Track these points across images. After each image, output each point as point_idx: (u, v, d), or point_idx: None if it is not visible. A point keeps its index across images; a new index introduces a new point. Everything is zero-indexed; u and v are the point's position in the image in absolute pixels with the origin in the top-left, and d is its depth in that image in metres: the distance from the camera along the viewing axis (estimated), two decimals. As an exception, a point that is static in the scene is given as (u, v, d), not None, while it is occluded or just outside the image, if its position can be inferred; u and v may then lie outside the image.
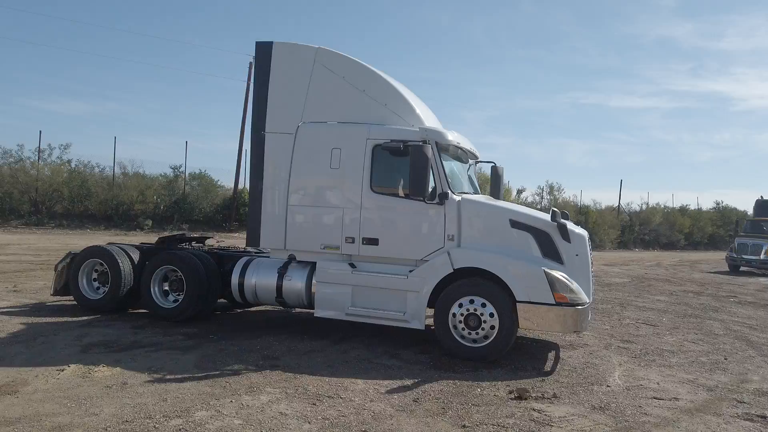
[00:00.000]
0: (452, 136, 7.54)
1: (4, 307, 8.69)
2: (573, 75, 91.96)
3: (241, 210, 31.39)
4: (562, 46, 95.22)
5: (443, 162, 7.25)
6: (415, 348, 7.32)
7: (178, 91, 71.95)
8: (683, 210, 47.45)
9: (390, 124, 7.54)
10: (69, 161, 29.35)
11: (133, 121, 64.16)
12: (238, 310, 9.57)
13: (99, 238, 24.77)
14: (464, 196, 7.32)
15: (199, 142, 73.58)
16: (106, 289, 8.72)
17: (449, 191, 7.13)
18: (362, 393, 5.44)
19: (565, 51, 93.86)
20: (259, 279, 7.98)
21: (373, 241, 7.39)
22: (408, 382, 5.88)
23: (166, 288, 8.56)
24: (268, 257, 8.30)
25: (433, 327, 7.16)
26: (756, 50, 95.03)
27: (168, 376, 5.62)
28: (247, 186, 33.14)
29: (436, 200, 7.09)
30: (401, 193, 7.39)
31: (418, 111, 7.73)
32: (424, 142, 7.05)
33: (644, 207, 46.14)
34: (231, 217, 31.62)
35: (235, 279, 8.13)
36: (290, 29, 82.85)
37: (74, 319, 8.14)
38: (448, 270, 6.97)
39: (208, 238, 10.05)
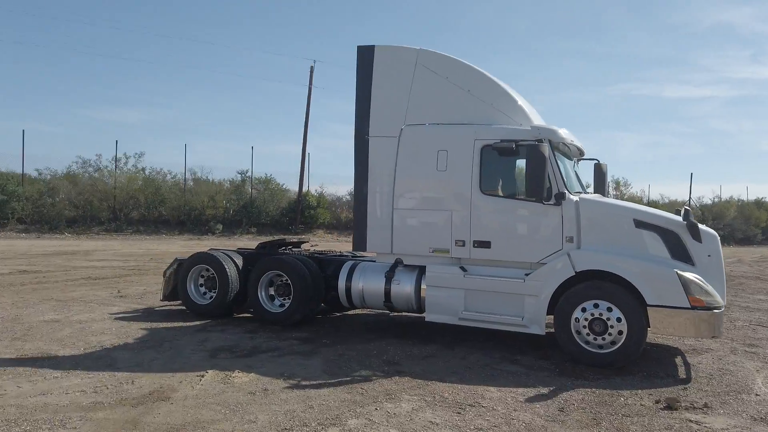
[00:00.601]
0: (564, 133, 7.32)
1: (118, 313, 9.03)
2: (624, 66, 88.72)
3: (306, 213, 31.91)
4: (611, 37, 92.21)
5: (557, 161, 7.04)
6: (533, 353, 7.14)
7: (238, 96, 73.78)
8: (759, 203, 45.02)
9: (497, 123, 7.39)
10: (143, 169, 30.49)
11: (194, 128, 66.30)
12: (337, 314, 9.64)
13: (175, 242, 25.68)
14: (582, 195, 7.09)
15: (260, 145, 75.21)
16: (213, 294, 8.94)
17: (566, 191, 6.91)
18: (501, 401, 5.32)
19: (615, 41, 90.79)
20: (367, 283, 7.98)
21: (485, 244, 7.25)
22: (543, 390, 5.71)
23: (272, 293, 8.69)
24: (369, 261, 8.29)
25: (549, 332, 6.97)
26: None
27: (303, 382, 5.65)
28: (312, 190, 33.66)
29: (553, 201, 6.89)
30: (513, 194, 7.23)
31: (525, 109, 7.55)
32: (539, 140, 6.86)
33: (716, 200, 44.16)
34: (296, 220, 32.13)
35: (342, 283, 8.17)
36: (347, 33, 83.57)
37: (188, 324, 8.36)
38: (569, 273, 6.75)
39: (304, 242, 10.17)
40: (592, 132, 76.93)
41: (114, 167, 29.88)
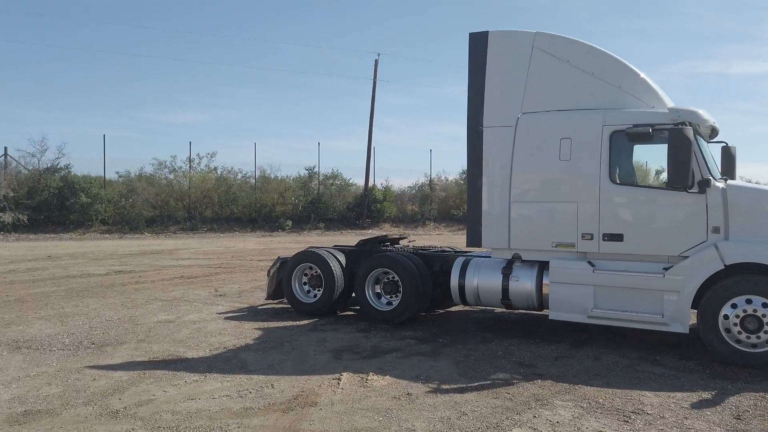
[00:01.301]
0: (705, 114, 6.74)
1: (226, 312, 9.07)
2: (685, 43, 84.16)
3: (372, 207, 31.84)
4: (671, 14, 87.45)
5: (699, 145, 6.49)
6: (671, 353, 6.66)
7: (301, 95, 74.77)
8: None
9: (626, 107, 6.88)
10: (215, 168, 31.18)
11: (260, 127, 67.69)
12: (439, 311, 9.37)
13: (249, 239, 26.13)
14: (729, 182, 6.52)
15: (326, 141, 75.57)
16: (318, 292, 8.84)
17: (710, 177, 6.36)
18: (665, 408, 4.89)
19: (674, 18, 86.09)
20: (482, 280, 7.65)
21: (617, 237, 6.78)
22: (704, 394, 5.25)
23: (378, 290, 8.51)
24: (481, 257, 7.96)
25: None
26: None
27: (444, 386, 5.40)
28: (378, 184, 33.60)
29: (696, 189, 6.34)
30: (649, 182, 6.73)
31: (658, 91, 7.01)
32: (682, 124, 6.32)
33: None
34: (363, 215, 32.14)
35: (455, 281, 7.87)
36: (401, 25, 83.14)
37: (297, 323, 8.28)
38: (717, 267, 6.21)
39: (404, 238, 9.92)
40: None
41: (188, 167, 30.71)
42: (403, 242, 10.09)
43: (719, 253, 6.20)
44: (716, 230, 6.34)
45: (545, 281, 7.24)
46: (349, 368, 5.94)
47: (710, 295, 6.25)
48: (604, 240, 6.85)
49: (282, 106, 73.52)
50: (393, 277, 8.36)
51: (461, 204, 33.37)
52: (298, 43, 79.52)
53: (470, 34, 7.63)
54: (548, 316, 7.16)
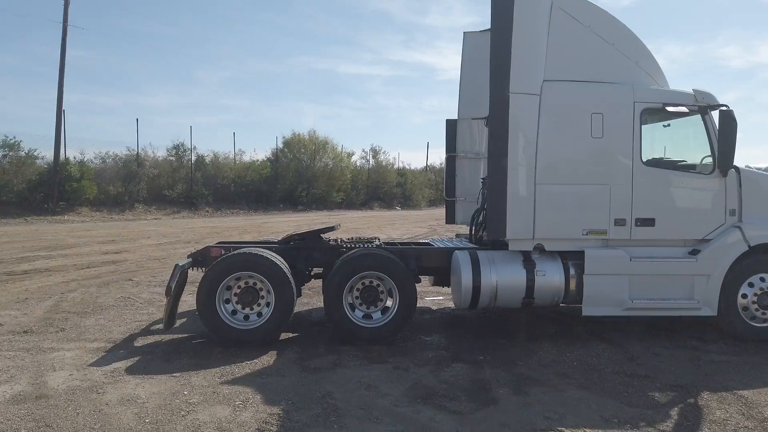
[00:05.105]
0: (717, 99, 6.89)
1: (110, 366, 5.40)
2: (305, 40, 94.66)
3: (67, 186, 25.35)
4: (295, 13, 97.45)
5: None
6: (709, 338, 6.64)
7: None
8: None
9: (644, 84, 6.56)
10: None
11: None
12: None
13: None
14: (741, 166, 6.79)
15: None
16: (256, 311, 6.16)
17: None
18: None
19: (298, 17, 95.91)
20: (502, 277, 6.37)
21: (649, 222, 6.44)
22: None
23: (350, 301, 6.33)
24: (486, 250, 6.66)
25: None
26: (453, 28, 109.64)
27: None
28: (70, 156, 26.93)
29: (717, 172, 6.44)
30: (676, 164, 6.57)
31: (663, 72, 6.86)
32: (710, 107, 6.35)
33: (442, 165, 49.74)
34: (53, 197, 25.21)
35: (467, 280, 6.33)
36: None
37: (263, 360, 5.46)
38: (742, 248, 6.42)
39: (334, 228, 7.54)
40: (278, 101, 79.62)
41: None
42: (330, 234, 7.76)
43: (744, 236, 6.43)
44: (732, 213, 6.57)
45: (572, 273, 6.43)
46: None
47: (732, 276, 6.45)
48: (636, 225, 6.42)
49: None
50: (376, 284, 6.31)
51: (174, 184, 29.34)
52: None
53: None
54: (582, 312, 6.38)
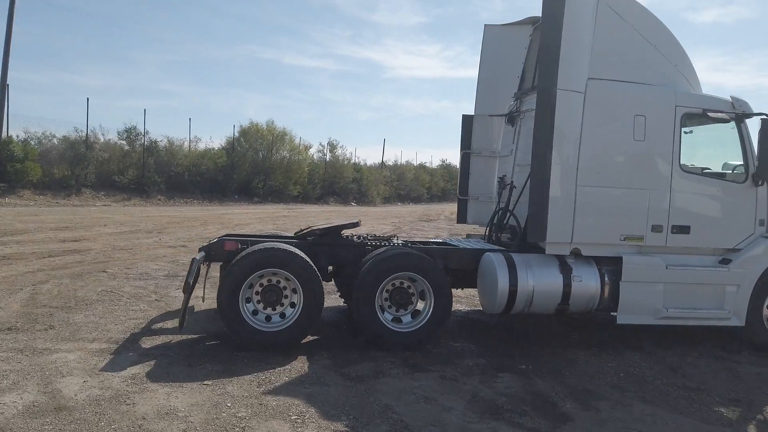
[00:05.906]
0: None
1: (123, 371, 4.75)
2: (250, 27, 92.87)
3: (9, 167, 23.50)
4: None
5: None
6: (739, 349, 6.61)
7: None
8: (422, 167, 52.29)
9: (680, 88, 6.46)
10: None
11: None
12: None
13: None
14: (767, 176, 6.80)
15: None
16: (280, 311, 5.62)
17: (765, 171, 6.52)
18: None
19: (242, 2, 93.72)
20: (539, 282, 6.10)
21: (684, 230, 6.34)
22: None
23: (380, 303, 5.90)
24: (515, 253, 6.37)
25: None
26: (401, 26, 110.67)
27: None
28: (13, 135, 25.08)
29: (750, 181, 6.42)
30: (712, 171, 6.52)
31: (697, 77, 6.79)
32: (746, 115, 6.33)
33: (399, 164, 49.82)
34: (-9, 178, 23.24)
35: (503, 285, 6.01)
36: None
37: (296, 367, 4.95)
38: (771, 259, 6.43)
39: (357, 224, 6.97)
40: (223, 88, 78.04)
41: None
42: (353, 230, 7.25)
43: (775, 245, 6.44)
44: (762, 223, 6.57)
45: (606, 280, 6.25)
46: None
47: (760, 286, 6.45)
48: (672, 233, 6.30)
49: None
50: (407, 285, 5.91)
51: (125, 169, 27.71)
52: None
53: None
54: (616, 320, 6.20)
